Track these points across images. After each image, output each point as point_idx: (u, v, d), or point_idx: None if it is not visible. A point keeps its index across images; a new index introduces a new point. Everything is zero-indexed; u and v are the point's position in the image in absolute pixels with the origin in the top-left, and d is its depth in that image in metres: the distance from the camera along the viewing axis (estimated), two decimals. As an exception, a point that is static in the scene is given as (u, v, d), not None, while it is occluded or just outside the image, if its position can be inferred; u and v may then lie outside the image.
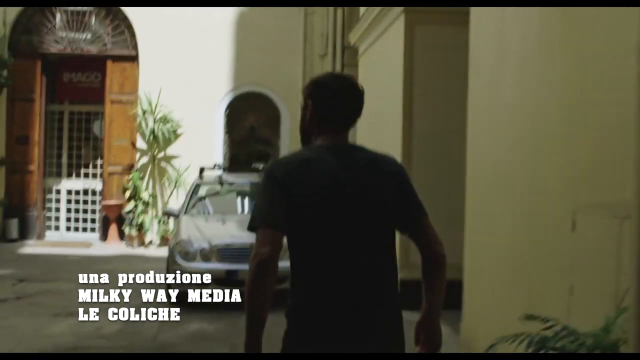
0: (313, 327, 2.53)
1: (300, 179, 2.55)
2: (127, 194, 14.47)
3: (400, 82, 8.54)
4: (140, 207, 14.26)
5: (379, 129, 9.44)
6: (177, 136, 14.74)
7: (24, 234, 14.63)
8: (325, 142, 2.68)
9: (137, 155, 14.92)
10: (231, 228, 9.61)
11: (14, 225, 14.47)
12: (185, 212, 10.44)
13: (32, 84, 14.75)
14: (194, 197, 10.81)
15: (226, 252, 8.93)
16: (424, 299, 2.71)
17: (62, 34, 14.76)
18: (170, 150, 14.85)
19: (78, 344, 6.89)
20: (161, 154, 14.86)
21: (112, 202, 14.67)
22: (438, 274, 2.68)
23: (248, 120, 15.67)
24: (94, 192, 15.50)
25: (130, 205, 14.39)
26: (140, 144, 14.89)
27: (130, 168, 14.79)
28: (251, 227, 2.56)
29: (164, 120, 14.54)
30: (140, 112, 14.54)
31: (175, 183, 14.68)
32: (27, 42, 14.76)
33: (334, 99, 2.68)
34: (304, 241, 2.58)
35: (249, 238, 6.77)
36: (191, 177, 14.41)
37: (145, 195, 14.47)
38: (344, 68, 15.17)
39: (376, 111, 8.81)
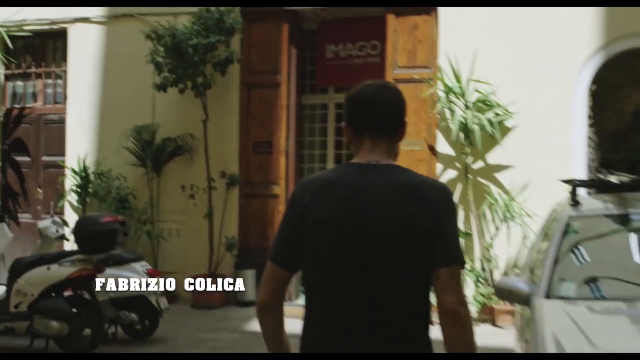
0: None
1: (315, 204, 2.40)
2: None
3: None
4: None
5: None
6: (505, 131, 8.59)
7: (266, 293, 9.36)
8: (358, 159, 2.48)
9: (438, 167, 8.98)
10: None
11: (249, 279, 9.25)
12: (549, 291, 4.24)
13: (276, 61, 9.56)
14: (561, 249, 4.50)
15: None
16: None
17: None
18: (494, 155, 8.73)
19: None
20: (478, 163, 8.81)
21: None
22: (448, 332, 2.31)
23: (630, 101, 8.93)
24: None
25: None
26: (443, 146, 8.94)
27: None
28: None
29: (482, 105, 8.54)
30: (441, 93, 8.69)
31: (505, 214, 8.47)
32: (267, -3, 9.65)
33: (362, 112, 2.47)
34: (311, 272, 2.46)
35: None
36: (533, 203, 8.24)
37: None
38: None
39: None
